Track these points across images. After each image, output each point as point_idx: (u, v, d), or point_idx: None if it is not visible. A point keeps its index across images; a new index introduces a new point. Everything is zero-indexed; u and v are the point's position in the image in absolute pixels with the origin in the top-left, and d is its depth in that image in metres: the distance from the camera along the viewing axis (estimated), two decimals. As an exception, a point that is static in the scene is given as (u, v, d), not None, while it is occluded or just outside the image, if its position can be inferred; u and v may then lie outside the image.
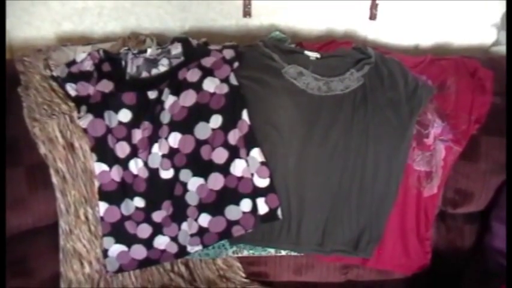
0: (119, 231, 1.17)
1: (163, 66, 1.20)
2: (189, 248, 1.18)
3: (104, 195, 1.16)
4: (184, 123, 1.14)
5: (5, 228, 1.10)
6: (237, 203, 1.15)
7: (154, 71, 1.20)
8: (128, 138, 1.15)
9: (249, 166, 1.15)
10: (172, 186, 1.16)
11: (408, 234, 1.25)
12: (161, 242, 1.18)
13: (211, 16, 1.40)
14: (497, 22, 1.43)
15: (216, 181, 1.15)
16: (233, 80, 1.17)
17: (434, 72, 1.27)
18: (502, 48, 1.46)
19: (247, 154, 1.15)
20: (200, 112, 1.14)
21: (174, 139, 1.14)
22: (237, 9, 1.40)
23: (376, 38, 1.44)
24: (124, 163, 1.16)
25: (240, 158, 1.15)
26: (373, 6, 1.39)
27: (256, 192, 1.15)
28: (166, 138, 1.14)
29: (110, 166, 1.15)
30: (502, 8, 1.41)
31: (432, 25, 1.42)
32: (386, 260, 1.26)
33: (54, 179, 1.16)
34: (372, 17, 1.40)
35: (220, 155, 1.15)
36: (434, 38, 1.45)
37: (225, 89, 1.15)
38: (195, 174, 1.15)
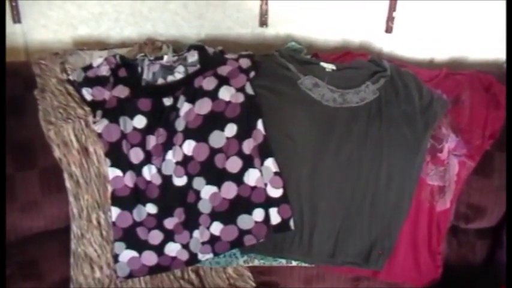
0: (130, 237, 1.17)
1: (179, 74, 1.20)
2: (200, 256, 1.17)
3: (117, 200, 1.16)
4: (199, 131, 1.14)
5: (5, 229, 1.10)
6: (250, 213, 1.15)
7: (170, 78, 1.20)
8: (142, 144, 1.16)
9: (262, 176, 1.15)
10: (185, 193, 1.16)
11: (420, 247, 1.24)
12: (172, 249, 1.18)
13: (228, 24, 1.41)
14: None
15: (229, 190, 1.15)
16: (249, 90, 1.17)
17: (449, 86, 1.27)
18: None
19: (261, 164, 1.15)
20: (215, 120, 1.14)
21: (188, 147, 1.14)
22: (254, 18, 1.40)
23: (391, 51, 1.44)
24: (137, 169, 1.16)
25: (254, 167, 1.15)
26: (390, 19, 1.39)
27: (269, 202, 1.15)
28: (180, 146, 1.14)
29: (124, 171, 1.15)
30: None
31: (448, 39, 1.43)
32: (397, 273, 1.26)
33: (68, 183, 1.16)
34: (388, 29, 1.40)
35: (234, 164, 1.15)
36: (449, 52, 1.45)
37: (240, 98, 1.15)
38: (208, 183, 1.15)
